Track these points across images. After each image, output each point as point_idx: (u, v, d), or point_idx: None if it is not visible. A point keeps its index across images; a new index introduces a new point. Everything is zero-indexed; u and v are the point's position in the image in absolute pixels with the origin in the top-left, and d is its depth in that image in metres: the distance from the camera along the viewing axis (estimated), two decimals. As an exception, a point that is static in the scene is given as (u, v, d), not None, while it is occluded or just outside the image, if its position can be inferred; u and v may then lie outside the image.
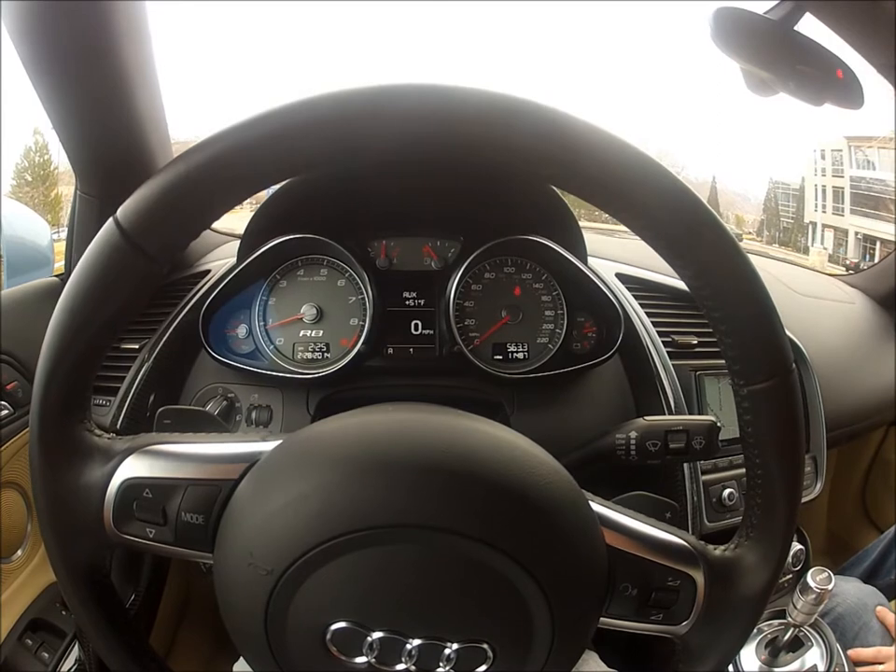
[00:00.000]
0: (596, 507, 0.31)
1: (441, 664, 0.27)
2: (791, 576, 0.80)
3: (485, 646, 0.27)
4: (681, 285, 0.69)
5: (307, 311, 0.59)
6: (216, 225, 0.81)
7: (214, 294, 0.58)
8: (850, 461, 1.07)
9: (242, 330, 0.61)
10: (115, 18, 0.54)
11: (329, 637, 0.27)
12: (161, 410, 0.38)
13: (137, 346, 0.64)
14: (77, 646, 0.70)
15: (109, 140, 0.61)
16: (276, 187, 0.60)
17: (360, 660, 0.27)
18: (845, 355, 0.92)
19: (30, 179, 0.80)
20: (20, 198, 0.83)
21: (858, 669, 0.68)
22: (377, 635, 0.26)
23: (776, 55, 0.57)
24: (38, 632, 0.70)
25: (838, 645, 0.65)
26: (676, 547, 0.31)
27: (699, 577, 0.31)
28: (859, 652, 0.69)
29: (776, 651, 0.65)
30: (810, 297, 0.93)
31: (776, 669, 0.65)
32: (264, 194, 0.62)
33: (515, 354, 0.60)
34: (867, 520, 1.09)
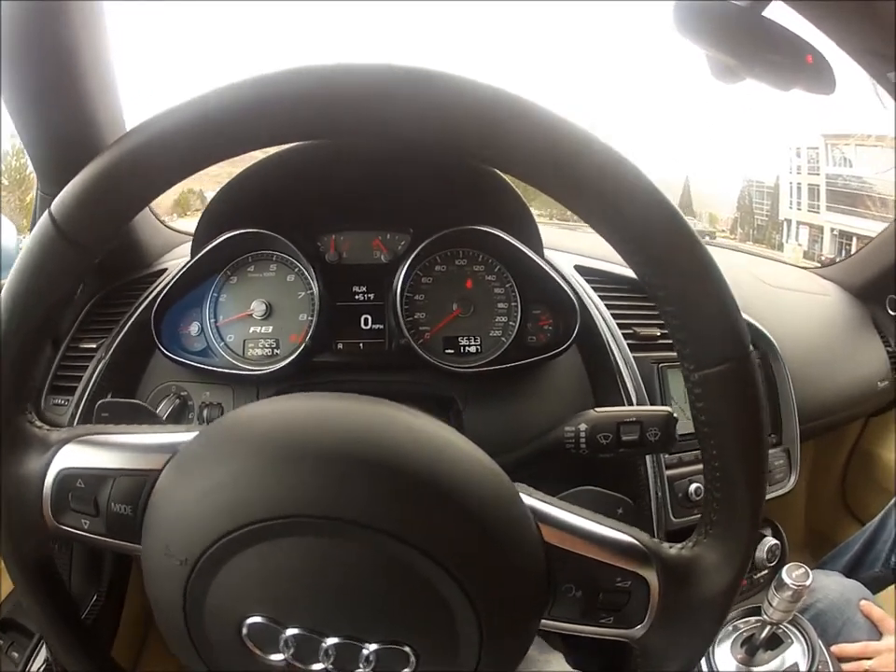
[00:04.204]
0: (533, 502, 0.27)
1: (360, 665, 0.24)
2: (766, 571, 0.73)
3: (407, 648, 0.24)
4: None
5: (256, 307, 0.55)
6: (176, 224, 0.78)
7: (164, 292, 0.55)
8: (829, 453, 1.01)
9: (194, 328, 0.57)
10: (70, 15, 0.51)
11: (245, 631, 0.25)
12: (99, 403, 0.36)
13: (95, 346, 0.61)
14: (45, 646, 0.66)
15: (65, 139, 0.58)
16: (225, 182, 0.56)
17: (277, 657, 0.25)
18: (819, 346, 0.86)
19: (6, 183, 0.77)
20: (-6, 202, 0.80)
21: (844, 666, 0.61)
22: (292, 631, 0.24)
23: (743, 41, 0.52)
24: (9, 632, 0.66)
25: (820, 641, 0.58)
26: (624, 545, 0.27)
27: (652, 577, 0.27)
28: (844, 648, 0.63)
29: (752, 649, 0.59)
30: (782, 288, 0.87)
31: (754, 669, 0.58)
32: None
33: (467, 347, 0.55)
34: (847, 512, 1.02)
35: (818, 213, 1.28)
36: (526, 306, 0.56)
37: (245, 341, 0.56)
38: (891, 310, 0.99)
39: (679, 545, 0.28)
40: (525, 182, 0.25)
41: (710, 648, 0.60)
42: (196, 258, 0.55)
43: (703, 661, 0.59)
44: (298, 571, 0.24)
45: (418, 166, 0.53)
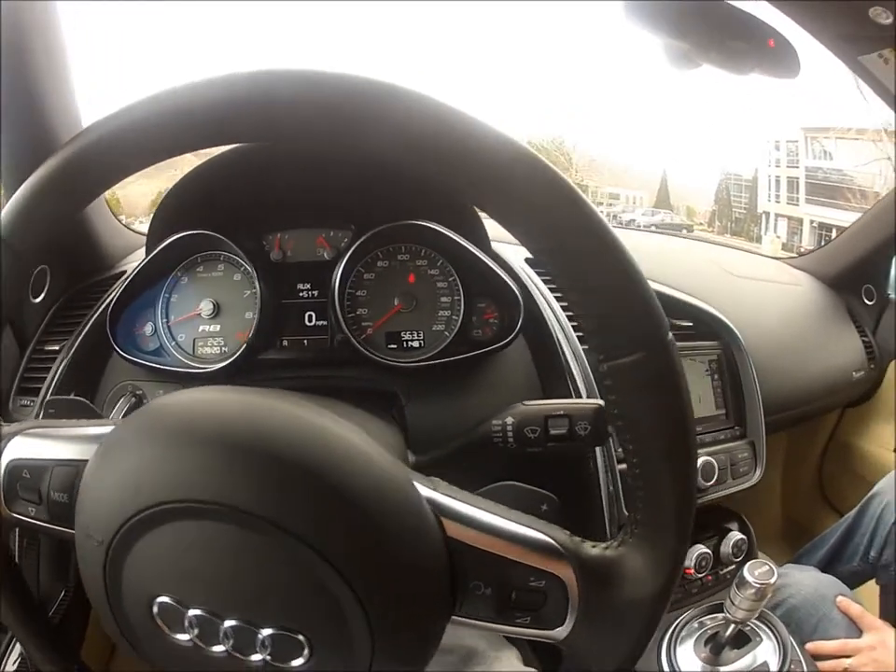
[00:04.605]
0: (434, 495, 0.26)
1: (257, 649, 0.25)
2: (732, 567, 0.71)
3: (301, 637, 0.24)
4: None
5: (204, 306, 0.55)
6: (139, 227, 0.78)
7: (119, 294, 0.55)
8: (804, 443, 0.98)
9: (148, 328, 0.57)
10: (23, 20, 0.52)
11: (155, 610, 0.26)
12: (46, 400, 0.39)
13: (58, 347, 0.61)
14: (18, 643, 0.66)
15: (22, 148, 0.59)
16: (173, 185, 0.56)
17: (184, 637, 0.26)
18: (790, 336, 0.84)
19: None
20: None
21: (821, 665, 0.58)
22: (194, 612, 0.25)
23: (700, 28, 0.50)
24: (-15, 629, 0.66)
25: (793, 639, 0.55)
26: (538, 543, 0.25)
27: (570, 577, 0.25)
28: (820, 646, 0.60)
29: (718, 647, 0.55)
30: (749, 279, 0.85)
31: (720, 668, 0.55)
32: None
33: (410, 342, 0.54)
34: (825, 503, 0.99)
35: (797, 205, 1.25)
36: (471, 300, 0.55)
37: (195, 340, 0.56)
38: (867, 299, 0.96)
39: (604, 545, 0.26)
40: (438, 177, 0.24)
41: (671, 646, 0.57)
42: (145, 261, 0.55)
43: (664, 660, 0.57)
44: (197, 554, 0.25)
45: (361, 163, 0.52)
